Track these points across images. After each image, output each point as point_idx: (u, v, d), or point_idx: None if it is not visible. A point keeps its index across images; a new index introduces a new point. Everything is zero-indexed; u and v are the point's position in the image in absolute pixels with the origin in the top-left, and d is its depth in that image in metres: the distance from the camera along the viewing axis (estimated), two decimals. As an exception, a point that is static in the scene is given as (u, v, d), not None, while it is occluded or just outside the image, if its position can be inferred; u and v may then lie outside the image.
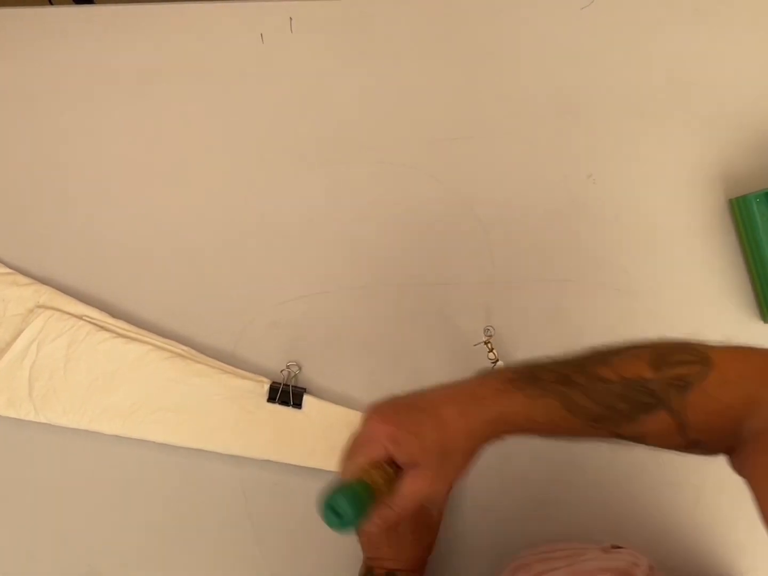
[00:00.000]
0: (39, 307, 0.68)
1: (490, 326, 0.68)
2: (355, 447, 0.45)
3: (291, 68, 0.75)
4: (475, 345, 0.68)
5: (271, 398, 0.66)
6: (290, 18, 0.75)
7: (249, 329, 0.69)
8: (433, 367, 0.69)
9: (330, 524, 0.40)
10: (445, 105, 0.74)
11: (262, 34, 0.75)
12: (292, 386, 0.66)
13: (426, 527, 0.61)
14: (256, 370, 0.68)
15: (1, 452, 0.68)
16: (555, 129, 0.74)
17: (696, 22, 0.76)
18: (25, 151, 0.73)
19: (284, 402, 0.66)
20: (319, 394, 0.68)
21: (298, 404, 0.66)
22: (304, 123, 0.74)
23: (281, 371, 0.68)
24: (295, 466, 0.66)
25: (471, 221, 0.72)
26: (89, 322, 0.68)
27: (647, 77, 0.75)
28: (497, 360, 0.67)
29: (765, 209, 0.68)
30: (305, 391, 0.67)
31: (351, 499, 0.39)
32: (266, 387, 0.66)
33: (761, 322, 0.70)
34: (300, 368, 0.68)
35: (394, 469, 0.44)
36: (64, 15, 0.76)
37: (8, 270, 0.70)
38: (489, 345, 0.67)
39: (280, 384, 0.66)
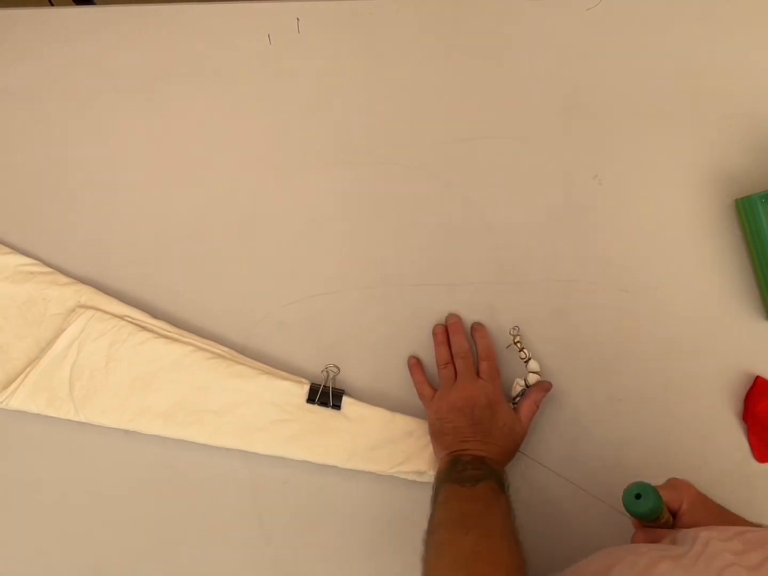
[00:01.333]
0: (80, 306, 0.68)
1: (516, 326, 0.69)
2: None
3: (298, 69, 0.75)
4: (507, 347, 0.69)
5: (311, 399, 0.66)
6: (297, 18, 0.75)
7: (257, 329, 0.70)
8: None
9: (629, 503, 0.50)
10: (451, 106, 0.75)
11: (269, 35, 0.75)
12: (332, 388, 0.67)
13: (511, 430, 0.63)
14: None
15: (3, 449, 0.68)
16: (561, 130, 0.74)
17: (702, 23, 0.77)
18: (28, 150, 0.74)
19: (323, 403, 0.66)
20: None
21: (337, 406, 0.66)
22: (312, 124, 0.74)
23: (321, 371, 0.68)
24: (302, 462, 0.66)
25: (477, 222, 0.72)
26: (131, 322, 0.68)
27: (653, 78, 0.75)
28: (529, 358, 0.67)
29: (770, 209, 0.68)
30: (344, 393, 0.67)
31: (653, 491, 0.50)
32: (306, 388, 0.67)
33: (766, 322, 0.70)
34: (339, 370, 0.69)
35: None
36: (64, 15, 0.76)
37: (48, 269, 0.70)
38: (518, 345, 0.68)
39: (319, 385, 0.67)
